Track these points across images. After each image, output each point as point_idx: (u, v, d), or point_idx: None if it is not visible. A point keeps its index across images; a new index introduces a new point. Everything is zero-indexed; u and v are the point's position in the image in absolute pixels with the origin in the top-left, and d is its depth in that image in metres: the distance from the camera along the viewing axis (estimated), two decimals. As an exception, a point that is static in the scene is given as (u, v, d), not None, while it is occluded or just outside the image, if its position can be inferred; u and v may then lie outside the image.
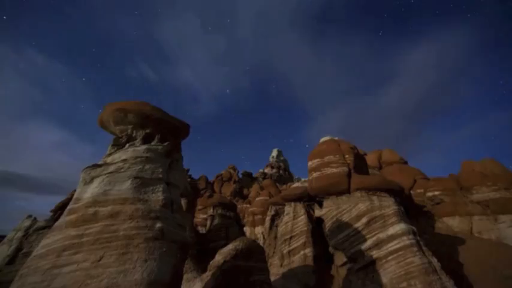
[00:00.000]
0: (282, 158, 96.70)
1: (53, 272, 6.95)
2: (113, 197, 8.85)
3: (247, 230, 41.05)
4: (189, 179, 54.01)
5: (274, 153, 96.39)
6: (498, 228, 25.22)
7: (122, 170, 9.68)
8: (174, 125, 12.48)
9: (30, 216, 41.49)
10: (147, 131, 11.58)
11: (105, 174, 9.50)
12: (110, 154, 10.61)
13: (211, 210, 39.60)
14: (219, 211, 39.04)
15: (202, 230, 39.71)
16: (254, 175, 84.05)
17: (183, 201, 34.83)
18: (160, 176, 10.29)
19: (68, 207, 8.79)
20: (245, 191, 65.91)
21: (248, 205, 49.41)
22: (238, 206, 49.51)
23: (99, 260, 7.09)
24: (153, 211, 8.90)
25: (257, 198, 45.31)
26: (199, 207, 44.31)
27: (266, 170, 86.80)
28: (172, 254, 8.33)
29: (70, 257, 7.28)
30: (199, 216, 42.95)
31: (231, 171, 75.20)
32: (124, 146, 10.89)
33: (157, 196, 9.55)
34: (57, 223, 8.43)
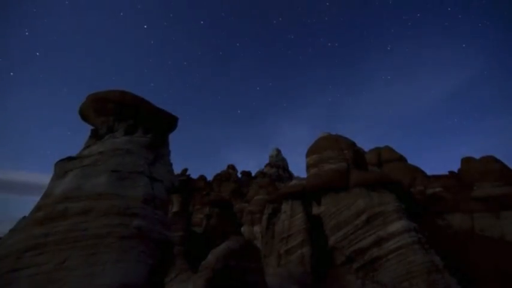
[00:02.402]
0: (281, 157, 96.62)
1: (11, 276, 6.12)
2: (86, 192, 8.03)
3: (245, 229, 40.38)
4: (184, 177, 53.41)
5: (274, 152, 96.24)
6: (500, 225, 24.61)
7: (99, 163, 8.85)
8: (160, 117, 11.68)
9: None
10: (130, 122, 10.76)
11: (80, 167, 8.67)
12: (88, 147, 9.79)
13: (208, 209, 39.00)
14: (216, 210, 38.41)
15: (200, 230, 39.06)
16: (254, 175, 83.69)
17: (177, 200, 34.13)
18: (142, 169, 9.45)
19: (36, 204, 7.99)
20: (244, 191, 65.32)
21: (246, 204, 48.82)
22: (237, 206, 48.96)
23: (63, 262, 6.28)
24: (131, 207, 8.08)
25: (255, 197, 44.66)
26: (197, 206, 43.66)
27: (265, 170, 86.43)
28: (150, 254, 7.52)
29: (32, 258, 6.46)
30: (197, 216, 42.29)
31: (230, 170, 74.67)
32: (103, 138, 10.07)
33: (136, 191, 8.72)
34: (23, 221, 7.63)
